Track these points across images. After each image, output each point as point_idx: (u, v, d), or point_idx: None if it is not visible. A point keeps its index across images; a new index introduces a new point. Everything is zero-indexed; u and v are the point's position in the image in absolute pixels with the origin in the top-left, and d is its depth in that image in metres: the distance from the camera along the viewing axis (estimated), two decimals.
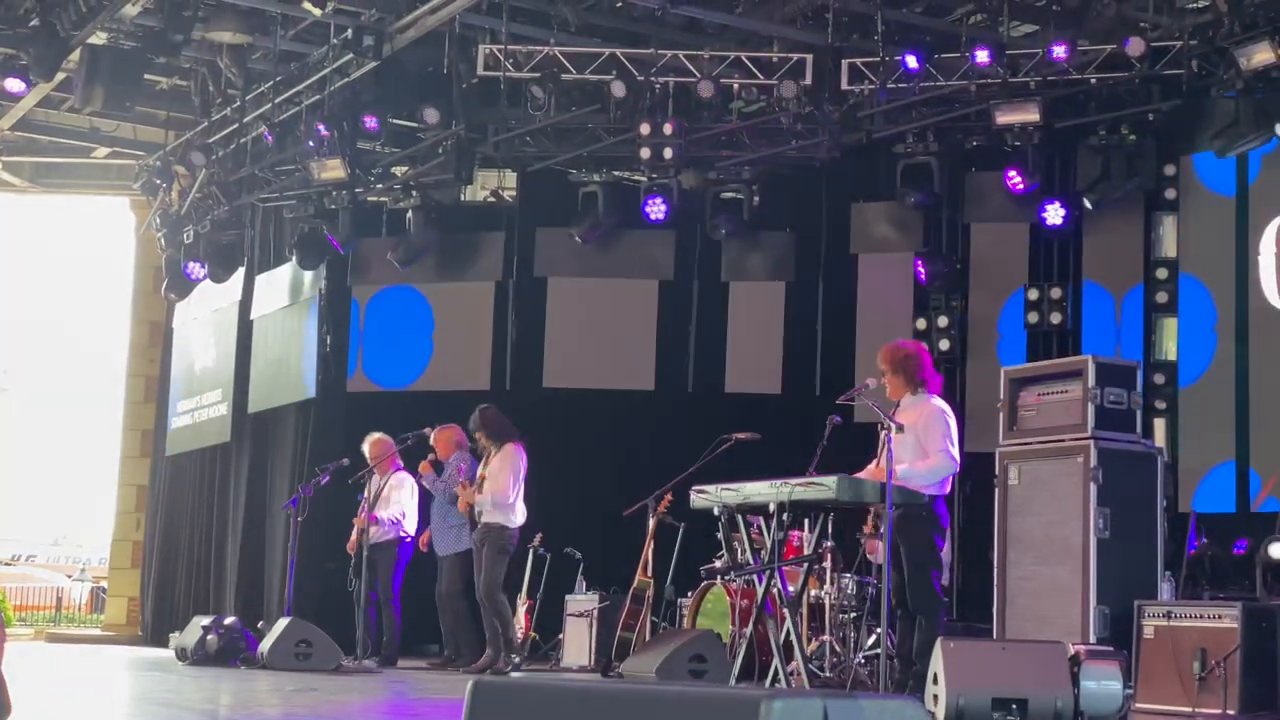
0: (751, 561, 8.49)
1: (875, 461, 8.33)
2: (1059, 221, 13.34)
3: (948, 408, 8.56)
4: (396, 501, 12.35)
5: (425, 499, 12.50)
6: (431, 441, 12.10)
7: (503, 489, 11.26)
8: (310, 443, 15.75)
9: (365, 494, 12.21)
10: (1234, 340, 12.49)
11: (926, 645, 7.91)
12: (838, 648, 9.82)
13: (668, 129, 13.58)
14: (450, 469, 11.97)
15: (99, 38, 13.50)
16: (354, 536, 12.41)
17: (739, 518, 8.22)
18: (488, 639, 11.47)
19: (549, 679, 3.00)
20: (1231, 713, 7.67)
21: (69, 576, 33.47)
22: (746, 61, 13.68)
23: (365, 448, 12.58)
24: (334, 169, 14.33)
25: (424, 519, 12.55)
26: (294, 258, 15.79)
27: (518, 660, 11.21)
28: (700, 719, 2.52)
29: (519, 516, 11.41)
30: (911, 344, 9.05)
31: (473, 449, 11.90)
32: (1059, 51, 12.32)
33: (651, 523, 11.06)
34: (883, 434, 8.29)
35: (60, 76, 14.14)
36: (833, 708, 2.45)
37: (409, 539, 12.48)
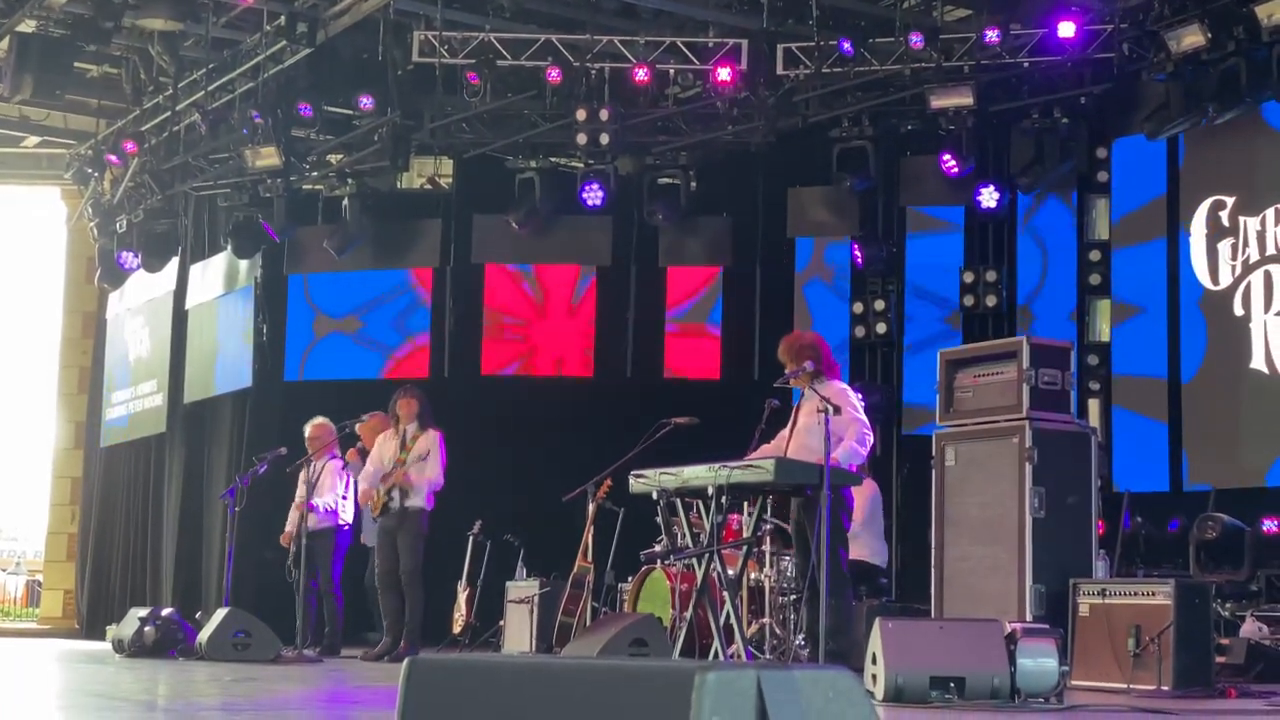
0: (691, 545, 8.51)
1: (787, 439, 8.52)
2: (993, 205, 13.44)
3: (849, 388, 8.74)
4: (331, 489, 12.29)
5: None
6: (358, 430, 12.10)
7: (433, 475, 11.35)
8: (247, 432, 15.66)
9: (302, 480, 12.17)
10: (1165, 321, 12.61)
11: (839, 624, 7.97)
12: (778, 630, 9.84)
13: (604, 115, 13.59)
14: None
15: (28, 25, 13.35)
16: (289, 527, 12.35)
17: (678, 502, 8.23)
18: (390, 624, 11.52)
19: (485, 657, 3.00)
20: (1165, 688, 7.74)
21: (3, 570, 33.13)
22: (682, 47, 13.70)
23: (306, 430, 12.51)
24: (268, 157, 14.24)
25: (355, 507, 12.51)
26: (229, 246, 15.68)
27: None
28: (636, 692, 2.52)
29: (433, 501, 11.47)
30: (810, 334, 9.12)
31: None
32: (991, 35, 12.42)
33: (591, 508, 11.06)
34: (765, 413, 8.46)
35: None
36: (767, 679, 2.46)
37: (346, 527, 12.42)
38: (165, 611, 11.86)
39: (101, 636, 14.73)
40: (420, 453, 11.38)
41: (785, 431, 8.73)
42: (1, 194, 21.42)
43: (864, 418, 8.53)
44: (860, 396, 8.98)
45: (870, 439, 8.52)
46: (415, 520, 11.40)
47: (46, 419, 20.62)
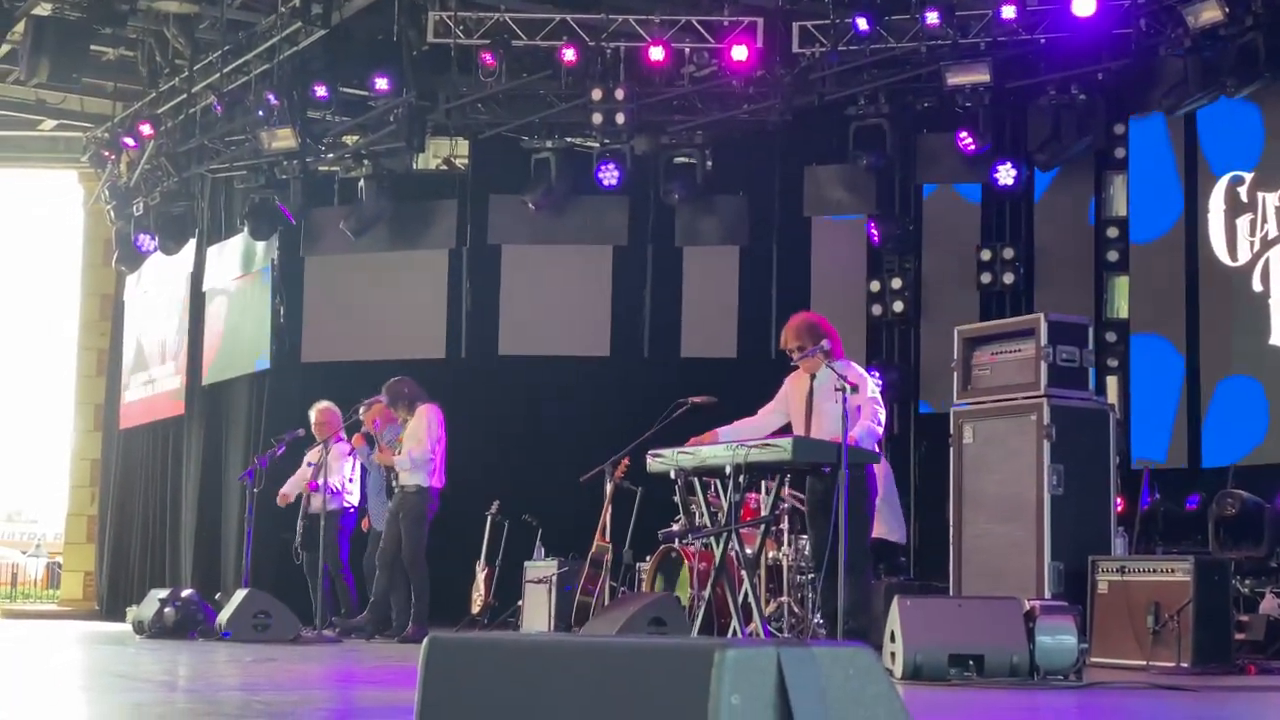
0: (709, 524, 8.51)
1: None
2: (1010, 182, 13.37)
3: (864, 372, 8.69)
4: (337, 471, 12.35)
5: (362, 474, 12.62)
6: (362, 416, 12.13)
7: (421, 445, 11.39)
8: (265, 414, 15.69)
9: (308, 461, 12.24)
10: (1184, 297, 12.57)
11: (858, 602, 7.94)
12: (796, 608, 9.85)
13: (619, 94, 13.57)
14: (383, 442, 12.03)
15: (44, 9, 13.37)
16: (286, 488, 12.47)
17: (695, 481, 8.23)
18: (374, 603, 11.64)
19: (505, 636, 3.02)
20: (1185, 665, 7.74)
21: (24, 552, 33.30)
22: (697, 25, 13.67)
23: (312, 415, 12.55)
24: (284, 138, 14.25)
25: (362, 493, 12.61)
26: (245, 228, 15.69)
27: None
28: (655, 670, 2.52)
29: (438, 478, 11.46)
30: (814, 315, 9.02)
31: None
32: (1008, 12, 12.37)
33: (609, 488, 11.08)
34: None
35: (4, 49, 14.00)
36: (786, 656, 2.46)
37: (351, 509, 12.49)
38: (185, 593, 11.92)
39: (121, 618, 14.77)
40: (413, 431, 11.45)
41: (799, 406, 8.61)
42: (19, 177, 21.48)
43: (879, 398, 8.49)
44: (878, 379, 8.95)
45: (883, 418, 8.46)
46: (414, 501, 11.42)
47: (65, 401, 20.72)
